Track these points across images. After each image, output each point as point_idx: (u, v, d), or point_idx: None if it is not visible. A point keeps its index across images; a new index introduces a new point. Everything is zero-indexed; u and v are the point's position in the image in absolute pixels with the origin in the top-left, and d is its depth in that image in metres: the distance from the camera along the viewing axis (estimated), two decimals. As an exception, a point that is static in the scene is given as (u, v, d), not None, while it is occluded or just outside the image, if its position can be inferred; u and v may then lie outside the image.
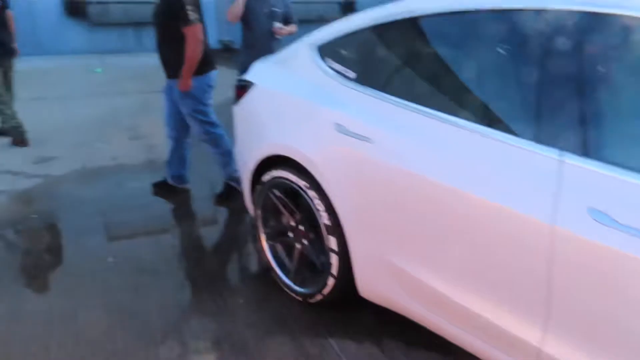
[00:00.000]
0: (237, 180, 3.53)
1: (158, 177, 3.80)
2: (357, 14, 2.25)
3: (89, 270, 2.68)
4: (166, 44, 3.20)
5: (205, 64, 3.24)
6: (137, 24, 10.17)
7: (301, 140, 2.19)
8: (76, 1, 10.02)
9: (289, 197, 2.38)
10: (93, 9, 10.04)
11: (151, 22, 3.26)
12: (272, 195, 2.44)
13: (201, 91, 3.29)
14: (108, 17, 10.11)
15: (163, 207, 3.55)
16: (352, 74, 2.12)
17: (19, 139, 4.70)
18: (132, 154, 4.49)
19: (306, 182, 2.19)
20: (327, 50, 2.27)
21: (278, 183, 2.37)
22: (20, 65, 8.36)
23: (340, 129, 2.01)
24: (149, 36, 10.88)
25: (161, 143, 4.54)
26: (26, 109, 5.84)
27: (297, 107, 2.28)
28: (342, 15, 12.18)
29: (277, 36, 4.00)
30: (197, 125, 3.40)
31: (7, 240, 3.07)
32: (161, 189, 3.75)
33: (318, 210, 2.16)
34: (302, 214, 2.35)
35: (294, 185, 2.27)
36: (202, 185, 3.87)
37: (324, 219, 2.15)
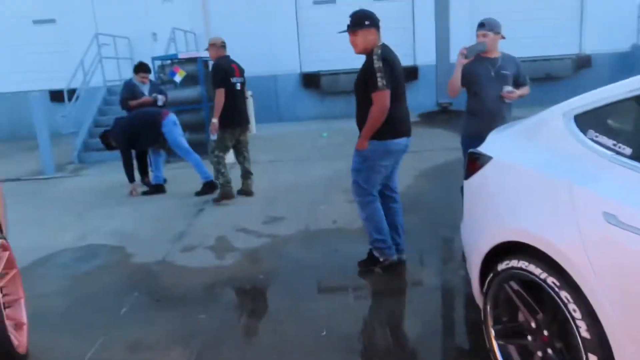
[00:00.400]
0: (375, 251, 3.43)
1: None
2: (627, 80, 1.80)
3: (303, 342, 2.64)
4: (360, 108, 3.26)
5: (390, 131, 3.17)
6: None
7: (552, 228, 1.78)
8: (311, 74, 11.23)
9: (529, 292, 1.96)
10: (325, 80, 11.09)
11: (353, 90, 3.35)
12: (507, 288, 2.05)
13: (375, 155, 3.22)
14: (337, 87, 11.02)
15: (377, 277, 3.40)
16: (627, 150, 1.66)
17: (224, 196, 5.28)
18: (350, 217, 4.51)
19: (556, 279, 1.76)
20: (588, 121, 1.85)
21: (516, 274, 1.98)
22: (265, 132, 9.66)
23: (612, 219, 1.56)
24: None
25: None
26: (264, 171, 6.56)
27: (547, 188, 1.88)
28: (575, 72, 11.16)
29: (507, 101, 3.58)
30: (353, 184, 3.38)
31: (236, 299, 3.30)
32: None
33: (573, 317, 1.70)
34: (547, 316, 1.90)
35: (538, 280, 1.85)
36: (418, 256, 3.65)
37: (582, 329, 1.67)
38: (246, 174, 5.53)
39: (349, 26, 3.20)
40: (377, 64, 3.06)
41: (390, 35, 12.44)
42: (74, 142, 8.69)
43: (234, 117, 5.16)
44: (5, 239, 2.74)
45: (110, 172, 7.24)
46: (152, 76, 7.96)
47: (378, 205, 3.39)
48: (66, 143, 8.82)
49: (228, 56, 5.33)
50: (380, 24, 3.22)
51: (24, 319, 2.74)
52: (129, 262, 3.99)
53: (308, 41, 11.32)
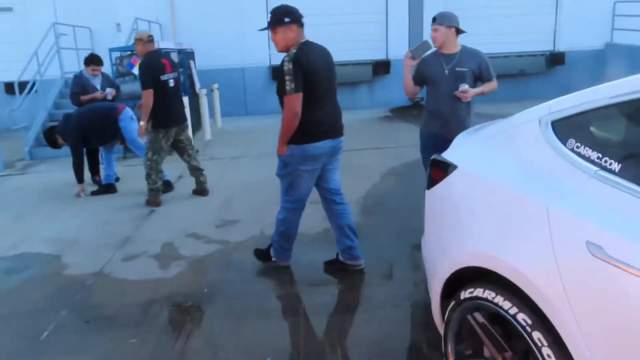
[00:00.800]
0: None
1: (334, 251, 3.40)
2: (613, 83, 1.52)
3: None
4: (282, 111, 3.07)
5: (307, 135, 2.98)
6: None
7: (523, 256, 1.49)
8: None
9: (496, 325, 1.67)
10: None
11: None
12: (471, 319, 1.75)
13: (294, 160, 3.05)
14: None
15: (332, 291, 3.10)
16: (614, 165, 1.38)
17: (152, 200, 4.94)
18: (308, 222, 4.06)
19: (528, 316, 1.47)
20: (568, 128, 1.56)
21: (482, 306, 1.68)
22: (230, 126, 9.25)
23: (597, 251, 1.27)
24: (341, 95, 11.05)
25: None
26: (225, 168, 6.21)
27: (519, 207, 1.58)
28: (549, 69, 11.07)
29: (463, 100, 3.31)
30: (281, 194, 3.22)
31: (174, 319, 2.90)
32: (334, 267, 3.35)
33: (547, 364, 1.41)
34: (517, 355, 1.60)
35: (507, 316, 1.55)
36: (381, 264, 3.36)
37: (557, 379, 1.39)
38: (195, 171, 5.14)
39: (268, 23, 3.01)
40: (287, 66, 2.87)
41: (363, 29, 12.07)
42: (26, 137, 8.13)
43: (167, 117, 4.75)
44: None
45: (61, 169, 6.73)
46: (108, 68, 7.48)
47: (297, 215, 3.25)
48: (20, 138, 8.25)
49: (157, 51, 4.94)
50: (304, 19, 3.03)
51: None
52: (63, 273, 3.58)
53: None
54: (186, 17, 10.57)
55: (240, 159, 6.80)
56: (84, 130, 5.28)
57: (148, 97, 4.61)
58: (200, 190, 5.18)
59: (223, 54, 10.49)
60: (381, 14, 10.94)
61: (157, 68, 4.71)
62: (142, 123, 4.73)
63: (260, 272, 3.38)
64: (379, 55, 10.95)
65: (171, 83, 4.82)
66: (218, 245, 3.88)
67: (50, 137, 5.57)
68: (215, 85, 9.37)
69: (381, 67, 10.74)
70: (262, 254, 3.46)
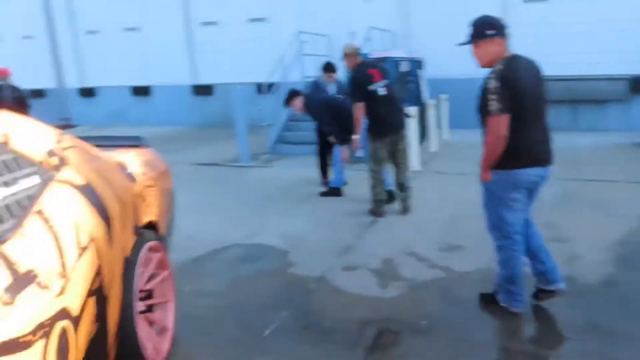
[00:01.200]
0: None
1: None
2: None
3: None
4: (483, 132, 2.76)
5: (517, 159, 2.67)
6: (574, 102, 9.31)
7: None
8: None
9: None
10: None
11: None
12: None
13: (502, 187, 2.76)
14: (557, 94, 9.60)
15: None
16: None
17: (375, 211, 4.90)
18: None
19: None
20: None
21: None
22: (460, 139, 8.77)
23: None
24: (585, 114, 9.70)
25: (588, 255, 3.56)
26: (450, 185, 5.96)
27: None
28: (631, 95, 8.71)
29: None
30: (489, 228, 2.93)
31: (388, 347, 2.71)
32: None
33: None
34: None
35: None
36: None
37: None
38: (400, 187, 4.96)
39: (469, 37, 2.78)
40: (492, 83, 2.60)
41: (618, 38, 10.16)
42: (270, 133, 9.10)
43: (380, 126, 4.72)
44: (161, 239, 2.66)
45: (298, 166, 7.37)
46: (342, 75, 7.87)
47: (516, 250, 2.84)
48: (265, 133, 9.28)
49: (364, 62, 5.01)
50: (507, 30, 2.73)
51: (169, 324, 2.65)
52: (289, 272, 3.76)
53: (515, 41, 10.01)
54: (420, 26, 10.53)
55: (466, 176, 6.33)
56: (330, 108, 5.57)
57: (358, 111, 4.70)
58: (402, 208, 4.98)
59: (455, 62, 10.05)
60: (627, 22, 9.14)
61: (365, 80, 4.73)
62: (354, 137, 4.84)
63: (486, 315, 2.97)
64: (624, 70, 9.16)
65: (381, 91, 4.75)
66: (440, 272, 3.59)
67: (292, 97, 5.85)
68: (445, 96, 9.07)
69: (635, 85, 9.05)
70: (487, 298, 3.08)
